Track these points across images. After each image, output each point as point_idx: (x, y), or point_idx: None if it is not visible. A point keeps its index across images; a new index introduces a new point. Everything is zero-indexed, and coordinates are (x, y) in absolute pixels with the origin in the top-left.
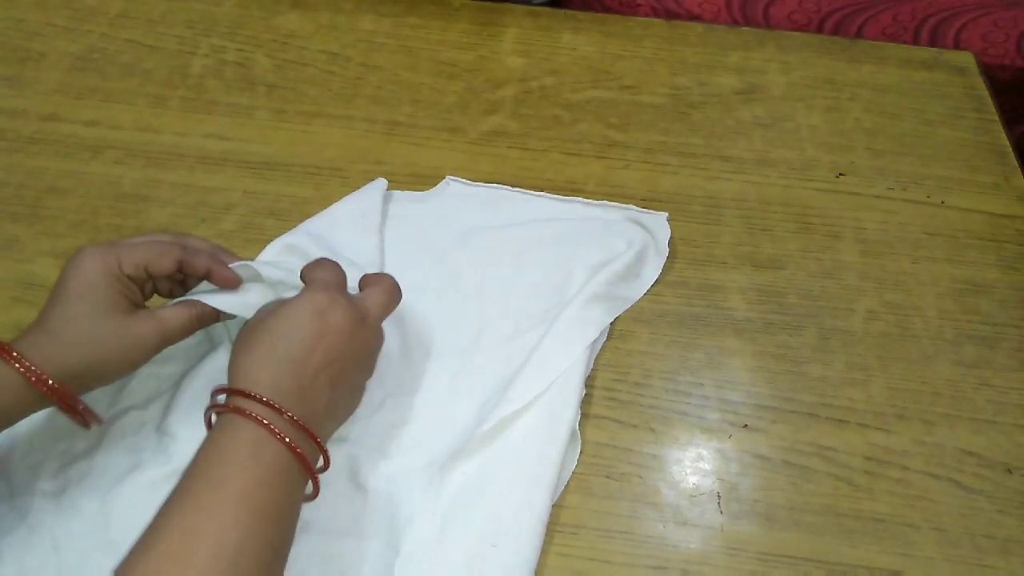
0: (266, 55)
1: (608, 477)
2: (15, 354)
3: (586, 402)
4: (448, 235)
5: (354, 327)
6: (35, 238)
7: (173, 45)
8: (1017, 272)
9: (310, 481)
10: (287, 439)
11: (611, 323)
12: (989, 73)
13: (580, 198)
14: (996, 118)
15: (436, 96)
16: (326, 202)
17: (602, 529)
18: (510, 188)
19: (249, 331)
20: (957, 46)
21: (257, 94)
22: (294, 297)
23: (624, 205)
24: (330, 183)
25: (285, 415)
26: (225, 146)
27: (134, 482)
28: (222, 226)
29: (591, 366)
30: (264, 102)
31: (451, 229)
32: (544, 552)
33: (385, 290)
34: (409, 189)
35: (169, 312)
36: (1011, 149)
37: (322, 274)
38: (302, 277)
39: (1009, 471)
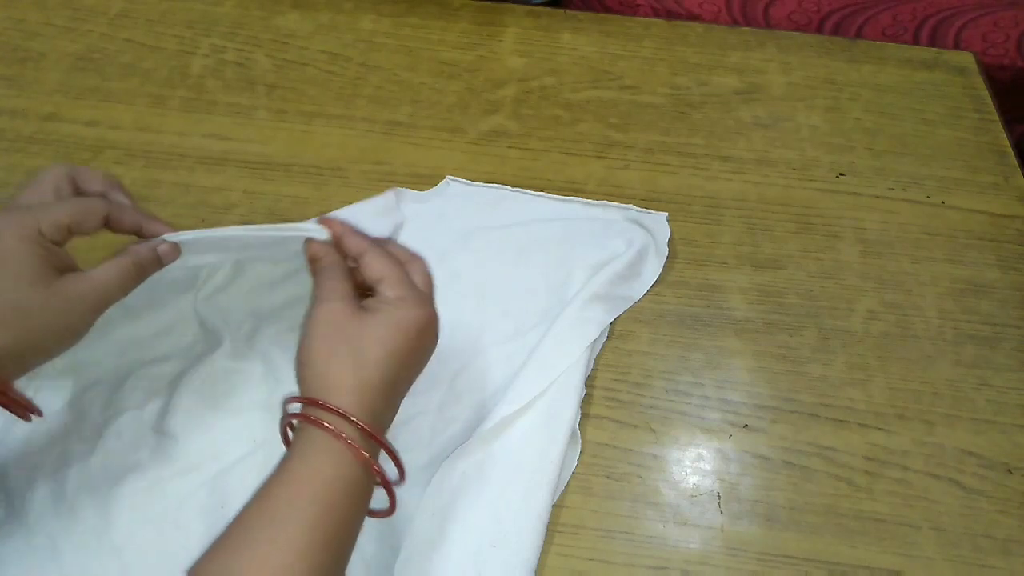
0: (266, 55)
1: (608, 477)
2: None
3: (586, 402)
4: (448, 235)
5: (436, 344)
6: None
7: (173, 45)
8: (1017, 272)
9: None
10: (388, 478)
11: (611, 323)
12: (989, 73)
13: (580, 198)
14: (996, 118)
15: (436, 96)
16: (326, 202)
17: (602, 529)
18: (510, 188)
19: (344, 334)
20: (957, 46)
21: (257, 94)
22: (397, 307)
23: (624, 205)
24: (330, 183)
25: (387, 449)
26: (225, 146)
27: (134, 484)
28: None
29: (591, 366)
30: (264, 102)
31: (451, 229)
32: (544, 552)
33: (430, 283)
34: (409, 189)
35: (103, 268)
36: (1011, 149)
37: (421, 278)
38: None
39: (1009, 471)
